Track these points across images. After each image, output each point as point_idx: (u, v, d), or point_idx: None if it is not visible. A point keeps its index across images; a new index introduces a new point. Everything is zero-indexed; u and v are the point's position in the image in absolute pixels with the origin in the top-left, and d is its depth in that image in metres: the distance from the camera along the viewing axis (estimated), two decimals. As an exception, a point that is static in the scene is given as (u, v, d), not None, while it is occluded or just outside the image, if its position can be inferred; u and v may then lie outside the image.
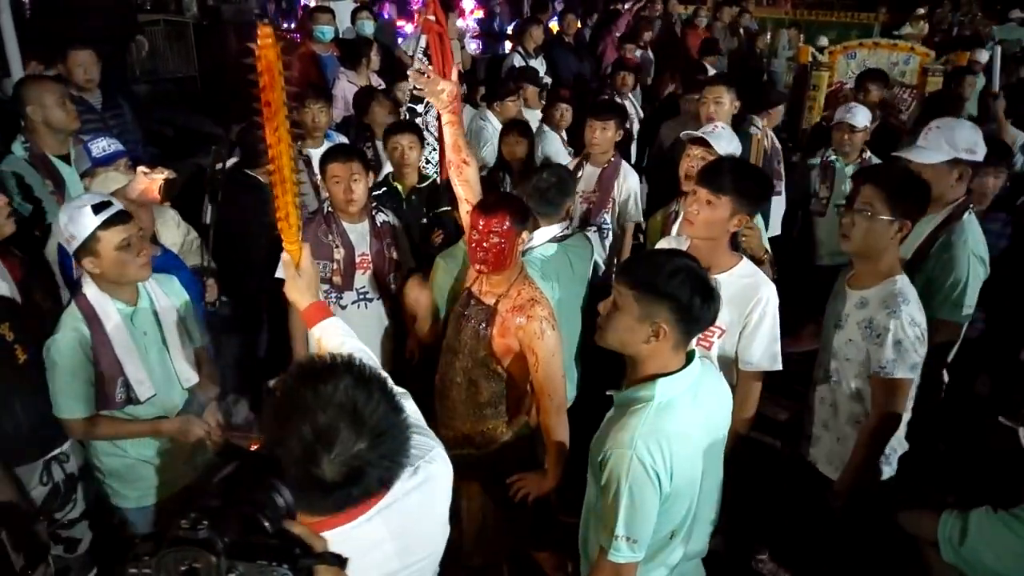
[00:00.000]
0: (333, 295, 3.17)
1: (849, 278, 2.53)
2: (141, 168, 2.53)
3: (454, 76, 2.58)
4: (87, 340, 2.29)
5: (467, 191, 2.62)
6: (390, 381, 1.23)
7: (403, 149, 3.70)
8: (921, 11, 10.17)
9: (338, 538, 1.19)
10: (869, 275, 2.43)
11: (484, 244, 2.36)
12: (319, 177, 3.38)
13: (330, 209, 3.16)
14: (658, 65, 7.66)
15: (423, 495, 1.36)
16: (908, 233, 2.40)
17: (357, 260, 3.17)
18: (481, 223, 2.36)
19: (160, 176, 2.46)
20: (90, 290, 2.34)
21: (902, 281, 2.38)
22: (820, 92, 6.63)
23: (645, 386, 1.78)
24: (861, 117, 4.20)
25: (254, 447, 2.32)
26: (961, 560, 1.77)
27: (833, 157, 4.30)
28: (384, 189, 3.78)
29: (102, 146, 3.02)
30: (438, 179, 3.88)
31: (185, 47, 8.69)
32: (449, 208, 3.88)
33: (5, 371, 2.33)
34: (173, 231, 3.18)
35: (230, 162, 3.60)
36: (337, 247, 3.12)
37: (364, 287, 3.22)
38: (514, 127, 4.46)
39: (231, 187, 3.35)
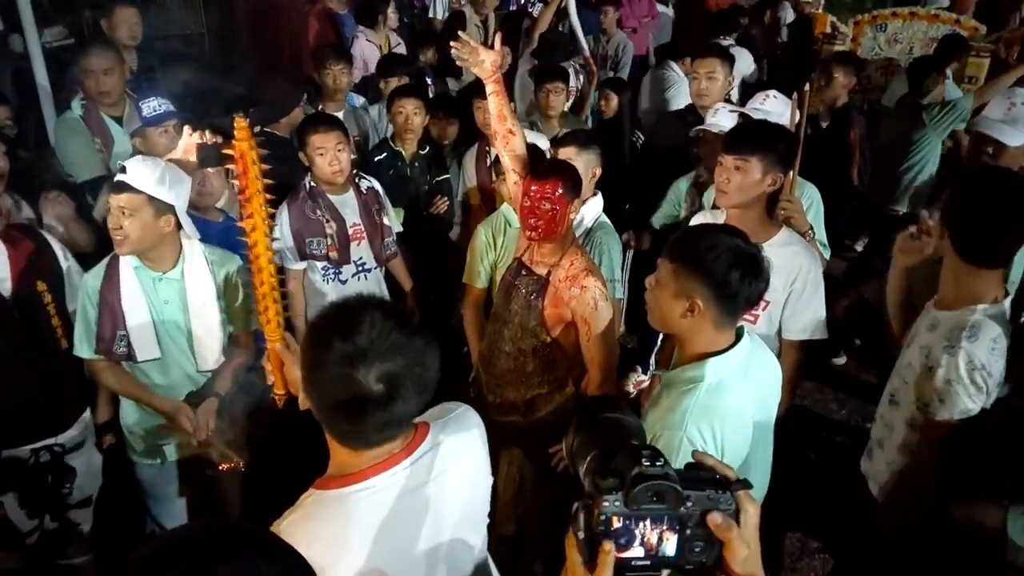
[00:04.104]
0: (332, 271, 3.15)
1: (939, 293, 2.17)
2: (187, 129, 2.47)
3: (497, 45, 2.51)
4: (96, 287, 2.39)
5: (514, 162, 2.58)
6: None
7: (407, 114, 3.67)
8: None
9: (386, 482, 1.33)
10: (953, 295, 2.07)
11: (536, 211, 2.34)
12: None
13: (313, 184, 3.09)
14: (677, 22, 7.49)
15: (458, 442, 1.47)
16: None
17: (350, 231, 3.13)
18: (533, 189, 2.34)
19: (203, 139, 2.41)
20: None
21: (986, 312, 1.99)
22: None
23: (695, 366, 1.76)
24: (726, 120, 3.15)
25: (221, 465, 2.45)
26: None
27: (704, 176, 3.29)
28: (385, 153, 3.73)
29: (153, 106, 2.98)
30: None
31: (192, 2, 8.49)
32: (448, 176, 3.86)
33: None
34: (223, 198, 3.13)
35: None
36: (328, 221, 3.07)
37: (361, 258, 3.20)
38: None
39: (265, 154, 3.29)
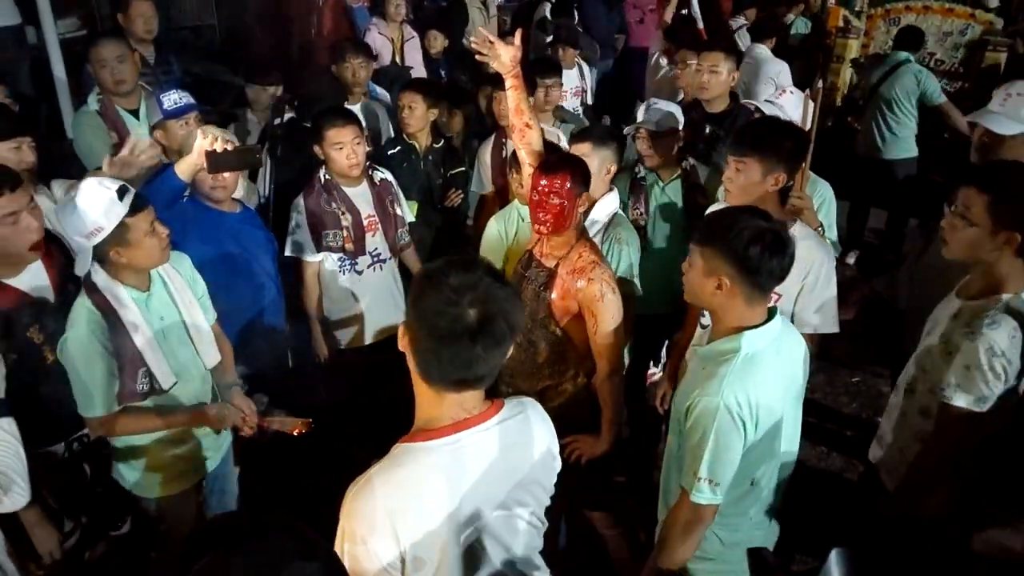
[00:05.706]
0: (348, 262, 3.21)
1: (962, 283, 2.21)
2: (200, 129, 2.48)
3: (517, 40, 2.53)
4: (104, 332, 2.19)
5: (530, 156, 2.62)
6: None
7: (404, 105, 3.68)
8: None
9: (466, 439, 1.47)
10: (978, 284, 2.12)
11: (544, 205, 2.38)
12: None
13: (327, 177, 3.15)
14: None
15: (529, 420, 1.60)
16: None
17: (365, 223, 3.18)
18: (543, 183, 2.38)
19: (218, 142, 2.42)
20: (100, 280, 2.22)
21: (1010, 302, 2.03)
22: (844, 66, 5.61)
23: (732, 339, 1.87)
24: (657, 116, 3.15)
25: (296, 431, 2.37)
26: None
27: (642, 173, 3.30)
28: (399, 147, 3.76)
29: (173, 99, 2.97)
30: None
31: (205, -3, 8.47)
32: (464, 168, 3.88)
33: (35, 372, 2.27)
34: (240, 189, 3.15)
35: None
36: (343, 213, 3.13)
37: (376, 248, 3.26)
38: None
39: (288, 143, 3.32)
